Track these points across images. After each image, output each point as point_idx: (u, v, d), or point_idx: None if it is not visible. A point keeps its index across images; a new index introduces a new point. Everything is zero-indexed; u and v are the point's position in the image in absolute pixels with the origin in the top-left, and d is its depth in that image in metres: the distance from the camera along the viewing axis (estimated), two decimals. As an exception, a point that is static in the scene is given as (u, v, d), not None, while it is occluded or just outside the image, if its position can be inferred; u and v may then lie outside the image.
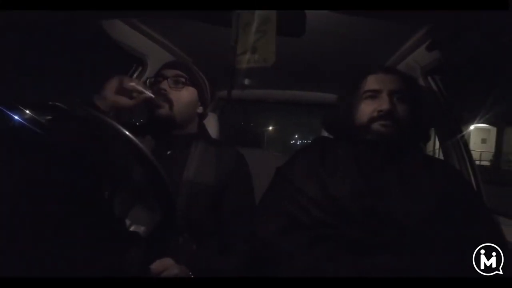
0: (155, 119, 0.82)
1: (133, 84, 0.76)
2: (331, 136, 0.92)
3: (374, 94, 0.80)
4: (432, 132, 1.16)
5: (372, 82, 0.81)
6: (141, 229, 0.57)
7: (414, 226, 0.67)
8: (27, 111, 0.48)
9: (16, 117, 0.47)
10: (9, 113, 0.48)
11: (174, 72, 0.84)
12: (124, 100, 0.76)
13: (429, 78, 1.09)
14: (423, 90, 0.83)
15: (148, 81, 0.87)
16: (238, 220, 0.82)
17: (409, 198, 0.70)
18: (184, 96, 0.83)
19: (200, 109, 0.89)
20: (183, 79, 0.84)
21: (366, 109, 0.80)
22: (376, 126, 0.77)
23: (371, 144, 0.78)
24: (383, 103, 0.77)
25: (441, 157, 1.19)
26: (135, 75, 1.27)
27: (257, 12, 0.53)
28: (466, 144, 1.09)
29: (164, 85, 0.82)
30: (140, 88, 0.76)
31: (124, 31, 1.06)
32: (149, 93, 0.77)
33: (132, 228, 0.56)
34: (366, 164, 0.77)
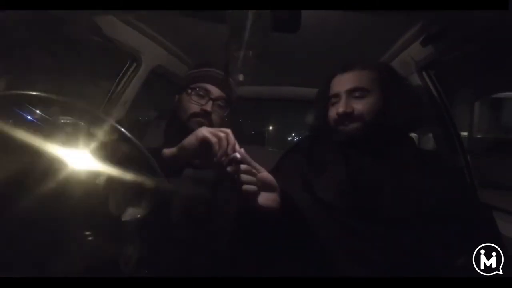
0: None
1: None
2: (317, 135, 0.92)
3: (335, 97, 0.80)
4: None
5: (333, 85, 0.81)
6: (136, 228, 0.57)
7: (405, 221, 0.66)
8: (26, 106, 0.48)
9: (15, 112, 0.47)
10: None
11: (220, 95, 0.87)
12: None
13: (424, 73, 1.10)
14: (395, 83, 0.79)
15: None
16: (225, 214, 0.81)
17: (399, 194, 0.70)
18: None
19: None
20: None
21: (331, 112, 0.80)
22: (341, 127, 0.77)
23: (349, 144, 0.77)
24: (340, 105, 0.76)
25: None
26: (130, 71, 1.25)
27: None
28: (459, 138, 1.10)
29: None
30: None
31: (118, 27, 1.05)
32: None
33: (127, 228, 0.56)
34: (348, 163, 0.76)
